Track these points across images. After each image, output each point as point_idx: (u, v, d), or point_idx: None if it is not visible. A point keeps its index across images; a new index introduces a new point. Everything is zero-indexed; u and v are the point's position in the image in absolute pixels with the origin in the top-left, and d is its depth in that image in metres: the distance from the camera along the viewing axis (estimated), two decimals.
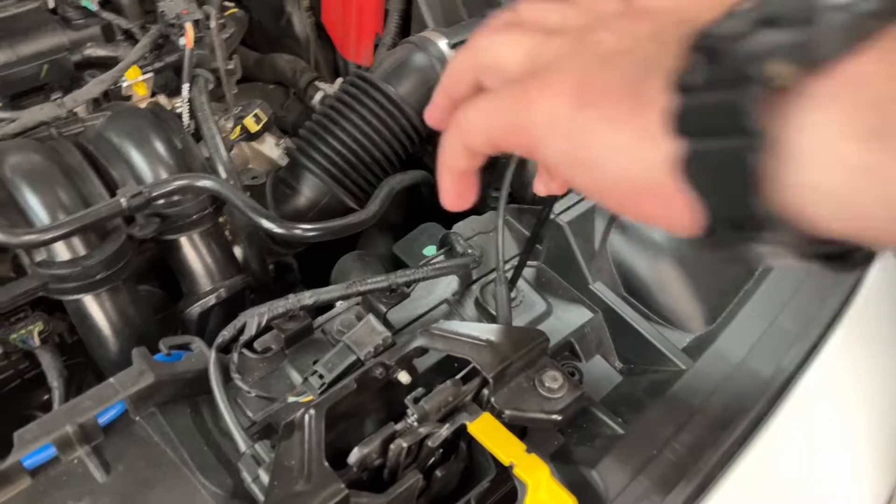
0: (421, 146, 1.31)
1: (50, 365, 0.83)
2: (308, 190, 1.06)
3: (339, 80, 1.32)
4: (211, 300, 0.94)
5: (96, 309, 0.85)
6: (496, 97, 0.41)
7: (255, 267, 1.01)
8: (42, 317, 0.88)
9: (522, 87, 0.39)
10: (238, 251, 1.05)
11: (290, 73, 1.38)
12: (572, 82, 0.36)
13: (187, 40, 0.96)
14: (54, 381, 0.82)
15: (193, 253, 0.94)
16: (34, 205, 0.84)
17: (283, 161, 1.18)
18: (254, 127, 1.13)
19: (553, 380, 0.71)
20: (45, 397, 0.94)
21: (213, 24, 0.97)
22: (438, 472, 0.73)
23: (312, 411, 0.65)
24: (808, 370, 0.80)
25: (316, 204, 1.06)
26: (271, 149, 1.19)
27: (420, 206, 1.28)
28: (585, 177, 0.37)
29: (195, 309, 0.94)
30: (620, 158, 0.34)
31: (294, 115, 1.38)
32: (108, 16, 1.15)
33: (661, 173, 0.33)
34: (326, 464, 0.62)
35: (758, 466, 0.73)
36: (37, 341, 0.86)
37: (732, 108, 0.29)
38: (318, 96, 1.31)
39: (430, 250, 0.98)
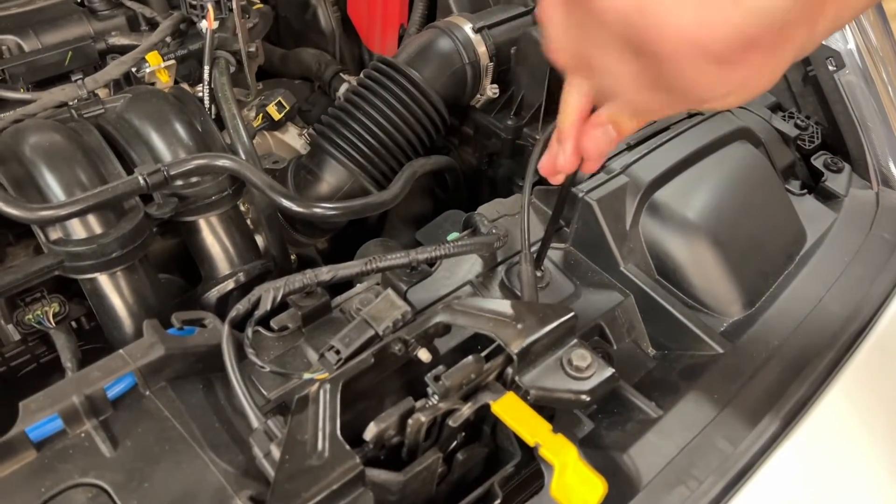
0: (446, 139, 1.29)
1: (64, 346, 0.82)
2: (330, 176, 1.04)
3: None
4: (229, 284, 0.92)
5: (112, 289, 0.83)
6: None
7: (275, 252, 0.98)
8: (58, 299, 0.87)
9: None
10: (260, 240, 1.03)
11: (315, 66, 1.36)
12: None
13: (208, 21, 0.95)
14: (68, 362, 0.81)
15: (212, 236, 0.92)
16: (52, 183, 0.83)
17: (307, 151, 1.16)
18: (276, 115, 1.12)
19: (581, 358, 0.67)
20: None
21: (234, 5, 0.96)
22: (460, 456, 0.69)
23: (327, 385, 0.62)
24: (858, 353, 0.75)
25: (338, 190, 1.04)
26: (294, 138, 1.18)
27: (445, 199, 1.25)
28: None
29: (213, 293, 0.92)
30: None
31: (319, 109, 1.36)
32: (133, 5, 1.15)
33: None
34: (341, 438, 0.59)
35: (801, 454, 0.68)
36: (52, 322, 0.84)
37: None
38: (343, 88, 1.29)
39: (453, 237, 0.95)
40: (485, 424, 0.72)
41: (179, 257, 1.03)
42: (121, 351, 0.65)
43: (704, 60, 0.39)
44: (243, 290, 0.93)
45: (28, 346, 0.92)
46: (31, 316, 0.84)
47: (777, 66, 0.48)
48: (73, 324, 0.93)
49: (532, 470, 0.74)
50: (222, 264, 0.93)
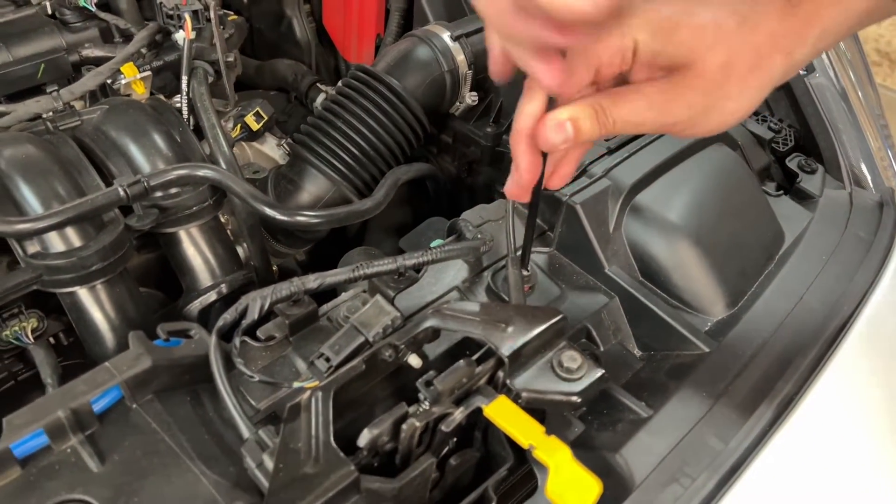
0: (424, 148, 1.29)
1: (43, 361, 0.80)
2: (311, 185, 1.04)
3: None
4: (211, 296, 0.91)
5: (92, 302, 0.82)
6: None
7: (257, 263, 0.97)
8: (36, 314, 0.85)
9: None
10: (241, 251, 1.02)
11: (292, 77, 1.36)
12: None
13: (186, 31, 0.94)
14: (48, 378, 0.79)
15: (193, 247, 0.91)
16: (28, 196, 0.81)
17: (285, 161, 1.15)
18: (255, 125, 1.11)
19: (572, 360, 0.67)
20: None
21: (212, 14, 0.95)
22: (453, 461, 0.69)
23: (319, 393, 0.62)
24: (842, 347, 0.77)
25: (319, 199, 1.04)
26: (273, 149, 1.17)
27: (425, 208, 1.25)
28: None
29: (195, 305, 0.90)
30: None
31: (296, 120, 1.36)
32: (106, 17, 1.14)
33: None
34: (335, 445, 0.59)
35: (791, 448, 0.69)
36: (30, 338, 0.82)
37: None
38: (319, 98, 1.29)
39: (437, 244, 0.95)
40: (476, 429, 0.71)
41: (158, 272, 1.02)
42: (106, 363, 0.64)
43: None
44: (226, 301, 0.92)
45: (4, 364, 0.89)
46: (8, 332, 0.82)
47: (757, 89, 0.52)
48: (52, 340, 0.91)
49: (523, 473, 0.74)
50: (204, 276, 0.92)
